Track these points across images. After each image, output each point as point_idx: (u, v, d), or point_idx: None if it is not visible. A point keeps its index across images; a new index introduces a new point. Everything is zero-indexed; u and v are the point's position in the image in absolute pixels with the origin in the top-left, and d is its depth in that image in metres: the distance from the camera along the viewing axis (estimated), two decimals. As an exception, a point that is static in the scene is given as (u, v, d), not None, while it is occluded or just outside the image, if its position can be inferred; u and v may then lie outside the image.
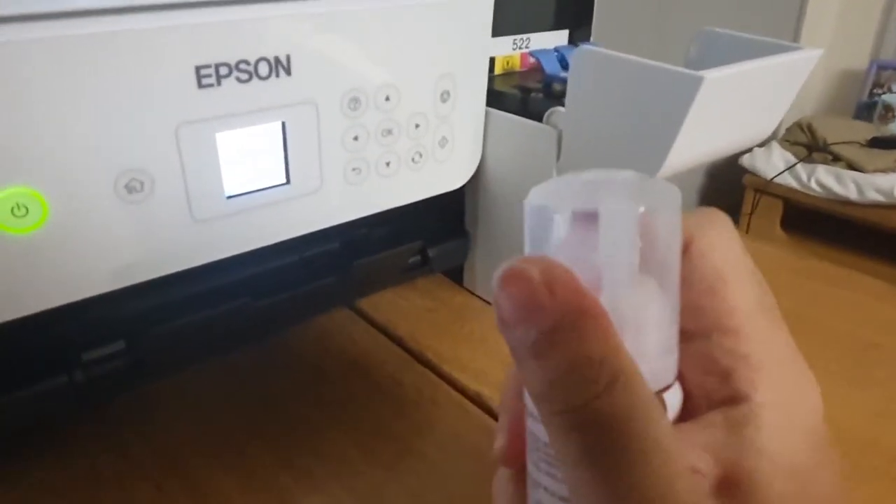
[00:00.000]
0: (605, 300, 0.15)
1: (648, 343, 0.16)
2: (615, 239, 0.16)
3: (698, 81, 0.27)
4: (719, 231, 0.18)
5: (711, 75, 0.27)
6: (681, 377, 0.17)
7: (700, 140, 0.31)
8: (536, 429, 0.17)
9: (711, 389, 0.17)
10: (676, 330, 0.17)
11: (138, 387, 0.35)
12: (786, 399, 0.16)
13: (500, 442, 0.19)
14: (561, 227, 0.16)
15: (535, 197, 0.17)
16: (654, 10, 0.85)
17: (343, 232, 0.37)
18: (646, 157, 0.31)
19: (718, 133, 0.32)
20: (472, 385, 0.37)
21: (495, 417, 0.35)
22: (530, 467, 0.18)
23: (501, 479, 0.20)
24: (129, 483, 0.30)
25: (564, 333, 0.14)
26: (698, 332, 0.17)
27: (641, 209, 0.15)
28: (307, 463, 0.31)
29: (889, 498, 0.31)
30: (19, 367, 0.29)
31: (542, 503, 0.18)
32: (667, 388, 0.16)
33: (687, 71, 0.28)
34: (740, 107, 0.32)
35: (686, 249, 0.17)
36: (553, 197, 0.17)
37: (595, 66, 0.32)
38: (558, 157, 0.36)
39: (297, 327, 0.41)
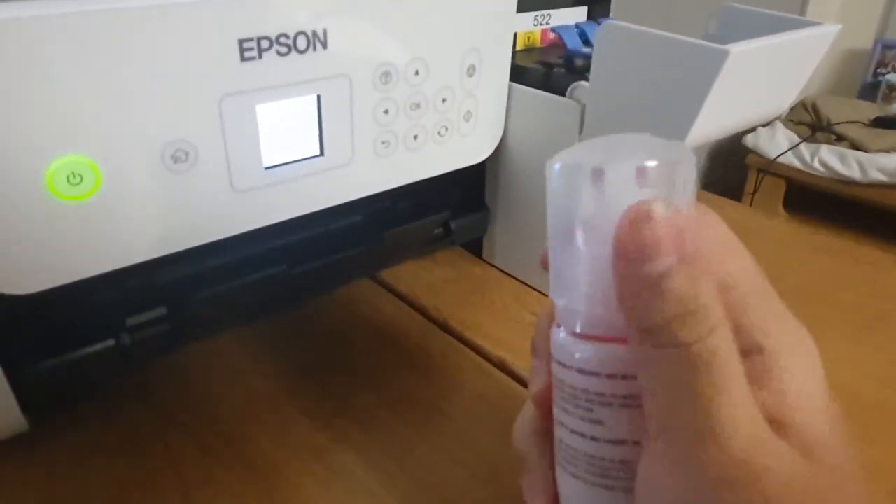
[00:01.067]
0: None
1: None
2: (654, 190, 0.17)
3: (724, 55, 0.28)
4: (712, 215, 0.20)
5: (737, 48, 0.28)
6: None
7: (722, 113, 0.32)
8: (564, 374, 0.18)
9: None
10: None
11: (179, 349, 0.37)
12: (794, 345, 0.18)
13: (537, 385, 0.20)
14: (592, 184, 0.18)
15: (564, 157, 0.18)
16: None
17: (370, 203, 0.38)
18: (669, 130, 0.32)
19: (739, 106, 0.33)
20: (495, 351, 0.38)
21: (519, 381, 0.36)
22: (556, 410, 0.19)
23: (526, 419, 0.21)
24: (173, 440, 0.32)
25: (690, 272, 0.16)
26: None
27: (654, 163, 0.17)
28: (341, 424, 0.33)
29: (895, 458, 0.32)
30: (68, 332, 0.31)
31: (563, 440, 0.19)
32: None
33: (713, 45, 0.29)
34: (761, 81, 0.33)
35: None
36: (580, 157, 0.18)
37: (620, 41, 0.32)
38: (580, 132, 0.37)
39: (324, 297, 0.42)
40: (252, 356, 0.37)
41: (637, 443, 0.18)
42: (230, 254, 0.35)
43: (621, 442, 0.18)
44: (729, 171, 1.71)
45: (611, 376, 0.18)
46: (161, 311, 0.33)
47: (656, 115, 0.33)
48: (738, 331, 0.17)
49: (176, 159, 0.28)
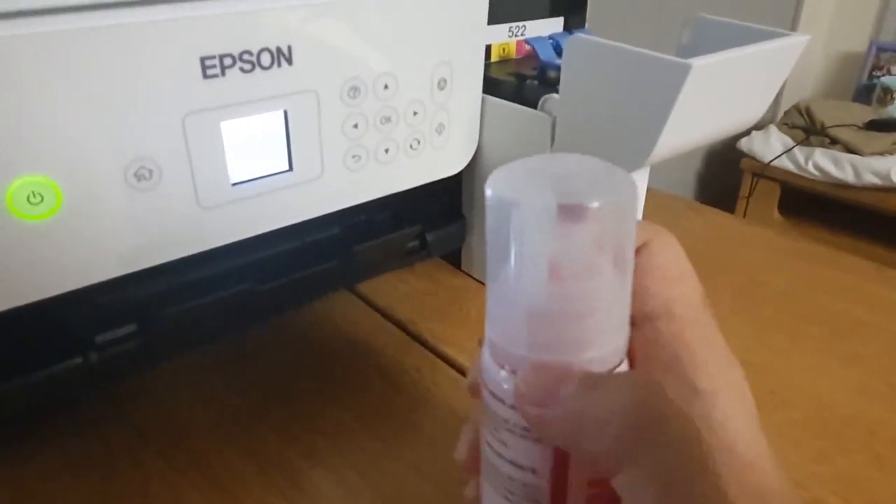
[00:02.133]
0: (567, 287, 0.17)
1: (603, 322, 0.18)
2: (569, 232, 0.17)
3: (686, 69, 0.28)
4: (669, 238, 0.20)
5: (699, 62, 0.28)
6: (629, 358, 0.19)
7: (689, 125, 0.32)
8: (483, 390, 0.19)
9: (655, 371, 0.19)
10: (628, 311, 0.18)
11: (148, 366, 0.37)
12: (730, 385, 0.18)
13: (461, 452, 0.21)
14: (509, 216, 0.17)
15: (495, 180, 0.18)
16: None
17: (343, 217, 0.38)
18: (637, 142, 0.32)
19: (707, 119, 0.33)
20: (469, 364, 0.38)
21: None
22: (481, 419, 0.20)
23: (468, 431, 0.22)
24: (140, 456, 0.32)
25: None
26: (647, 315, 0.19)
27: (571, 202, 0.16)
28: (311, 438, 0.33)
29: (868, 469, 0.32)
30: (36, 349, 0.31)
31: (482, 450, 0.20)
32: (619, 363, 0.18)
33: (675, 59, 0.29)
34: (729, 93, 0.33)
35: (642, 247, 0.20)
36: (509, 182, 0.18)
37: (587, 54, 0.32)
38: (552, 144, 0.37)
39: (300, 310, 0.42)
40: (223, 371, 0.37)
41: (534, 471, 0.18)
42: (200, 270, 0.35)
43: (520, 466, 0.18)
44: (723, 175, 1.71)
45: (513, 407, 0.18)
46: (130, 327, 0.33)
47: (624, 127, 0.33)
48: (675, 364, 0.17)
49: (140, 177, 0.28)
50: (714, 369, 0.18)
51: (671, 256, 0.20)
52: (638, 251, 0.20)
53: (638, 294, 0.19)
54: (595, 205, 0.16)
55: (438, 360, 0.39)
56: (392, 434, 0.33)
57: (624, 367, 0.18)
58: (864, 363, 0.39)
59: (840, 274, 0.49)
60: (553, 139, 0.37)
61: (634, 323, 0.19)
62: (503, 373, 0.18)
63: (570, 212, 0.16)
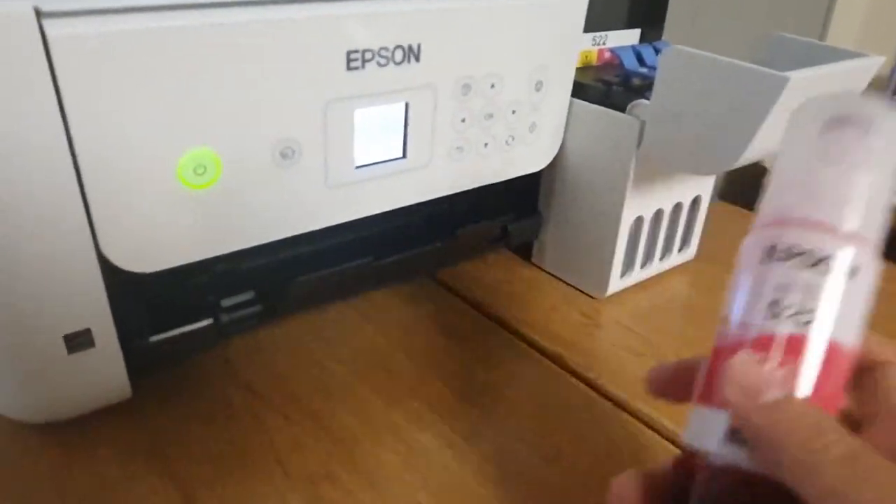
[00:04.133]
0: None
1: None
2: None
3: (784, 81, 0.31)
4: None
5: (797, 75, 0.31)
6: None
7: (773, 136, 0.35)
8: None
9: None
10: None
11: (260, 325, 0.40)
12: None
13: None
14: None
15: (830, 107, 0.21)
16: (691, 9, 0.89)
17: (442, 203, 0.41)
18: (724, 150, 0.35)
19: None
20: (551, 346, 0.41)
21: (574, 375, 0.39)
22: None
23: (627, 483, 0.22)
24: (260, 413, 0.35)
25: None
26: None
27: None
28: (414, 406, 0.36)
29: None
30: (175, 308, 0.34)
31: None
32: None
33: (773, 71, 0.32)
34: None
35: (875, 366, 0.21)
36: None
37: (684, 64, 0.35)
38: (638, 146, 0.40)
39: (389, 295, 0.45)
40: (326, 342, 0.40)
41: None
42: (317, 243, 0.38)
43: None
44: (744, 186, 1.73)
45: None
46: (250, 294, 0.36)
47: (712, 135, 0.36)
48: None
49: (284, 155, 0.31)
50: None
51: None
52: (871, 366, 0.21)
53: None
54: None
55: (520, 342, 0.42)
56: (489, 404, 0.36)
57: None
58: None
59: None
60: (640, 142, 0.40)
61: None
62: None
63: None
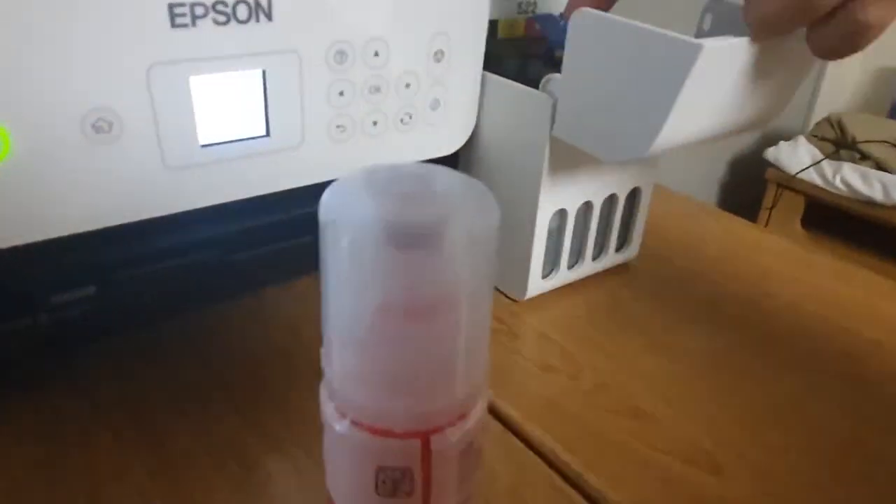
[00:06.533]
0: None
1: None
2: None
3: (697, 49, 0.26)
4: None
5: (711, 44, 0.26)
6: None
7: (697, 115, 0.30)
8: None
9: None
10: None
11: (110, 335, 0.35)
12: None
13: None
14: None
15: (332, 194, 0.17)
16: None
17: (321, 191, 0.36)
18: (640, 129, 0.30)
19: (716, 110, 0.30)
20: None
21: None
22: None
23: None
24: (92, 429, 0.30)
25: None
26: None
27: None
28: (273, 426, 0.31)
29: (867, 501, 0.29)
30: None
31: None
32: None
33: (686, 38, 0.26)
34: (743, 84, 0.30)
35: None
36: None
37: (593, 31, 0.30)
38: (552, 126, 0.34)
39: (276, 289, 0.40)
40: (191, 342, 0.36)
41: None
42: (171, 235, 0.33)
43: None
44: (748, 184, 1.66)
45: None
46: (89, 290, 0.31)
47: (627, 111, 0.30)
48: None
49: (98, 129, 0.26)
50: None
51: None
52: None
53: None
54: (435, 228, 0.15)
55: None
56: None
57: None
58: (872, 388, 0.36)
59: (853, 290, 0.46)
60: (553, 122, 0.34)
61: None
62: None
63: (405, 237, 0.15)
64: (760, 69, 0.29)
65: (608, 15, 0.29)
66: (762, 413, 0.34)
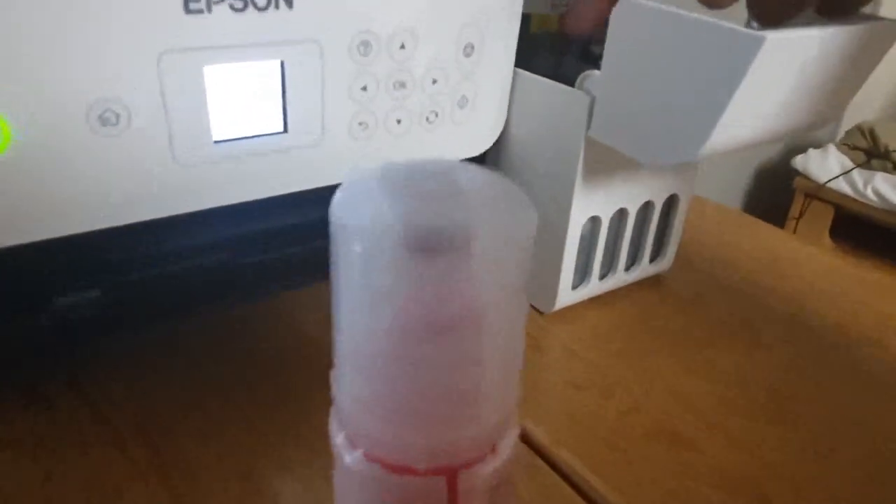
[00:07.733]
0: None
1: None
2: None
3: (759, 41, 0.23)
4: None
5: (774, 35, 0.23)
6: None
7: (753, 115, 0.27)
8: None
9: None
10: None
11: (117, 337, 0.33)
12: None
13: None
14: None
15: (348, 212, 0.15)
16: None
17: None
18: (688, 131, 0.27)
19: (775, 110, 0.28)
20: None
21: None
22: None
23: None
24: (92, 439, 0.28)
25: None
26: None
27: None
28: (285, 444, 0.29)
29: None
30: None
31: None
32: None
33: (745, 30, 0.24)
34: (806, 81, 0.27)
35: None
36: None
37: (638, 22, 0.28)
38: (588, 127, 0.32)
39: (291, 293, 0.38)
40: (200, 349, 0.34)
41: None
42: (181, 236, 0.31)
43: None
44: (774, 193, 1.62)
45: None
46: (94, 292, 0.29)
47: (674, 112, 0.28)
48: None
49: (105, 121, 0.25)
50: None
51: None
52: None
53: None
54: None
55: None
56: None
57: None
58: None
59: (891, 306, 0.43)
60: (590, 122, 0.32)
61: None
62: None
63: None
64: (824, 64, 0.27)
65: (655, 4, 0.27)
66: (814, 440, 0.31)
